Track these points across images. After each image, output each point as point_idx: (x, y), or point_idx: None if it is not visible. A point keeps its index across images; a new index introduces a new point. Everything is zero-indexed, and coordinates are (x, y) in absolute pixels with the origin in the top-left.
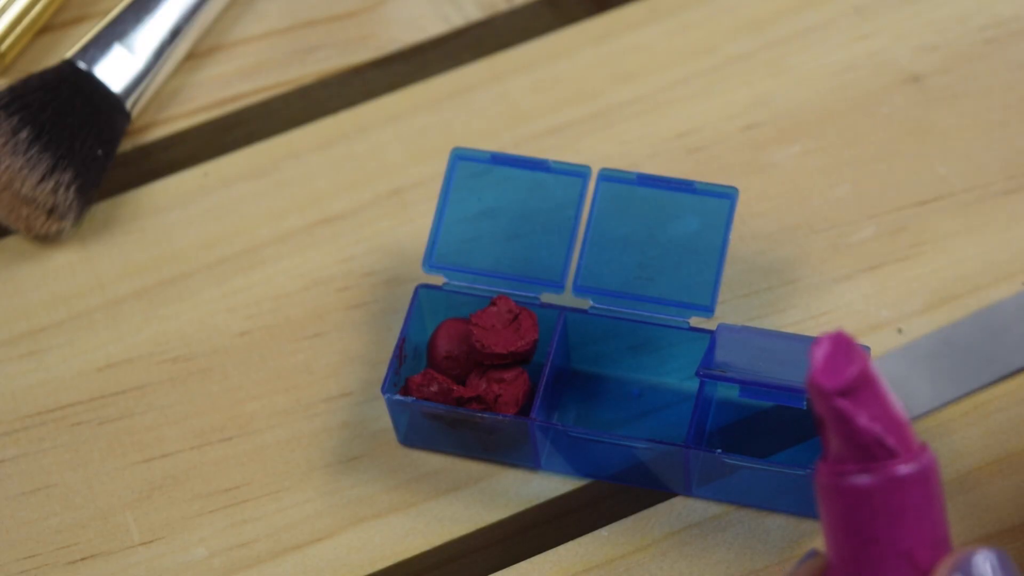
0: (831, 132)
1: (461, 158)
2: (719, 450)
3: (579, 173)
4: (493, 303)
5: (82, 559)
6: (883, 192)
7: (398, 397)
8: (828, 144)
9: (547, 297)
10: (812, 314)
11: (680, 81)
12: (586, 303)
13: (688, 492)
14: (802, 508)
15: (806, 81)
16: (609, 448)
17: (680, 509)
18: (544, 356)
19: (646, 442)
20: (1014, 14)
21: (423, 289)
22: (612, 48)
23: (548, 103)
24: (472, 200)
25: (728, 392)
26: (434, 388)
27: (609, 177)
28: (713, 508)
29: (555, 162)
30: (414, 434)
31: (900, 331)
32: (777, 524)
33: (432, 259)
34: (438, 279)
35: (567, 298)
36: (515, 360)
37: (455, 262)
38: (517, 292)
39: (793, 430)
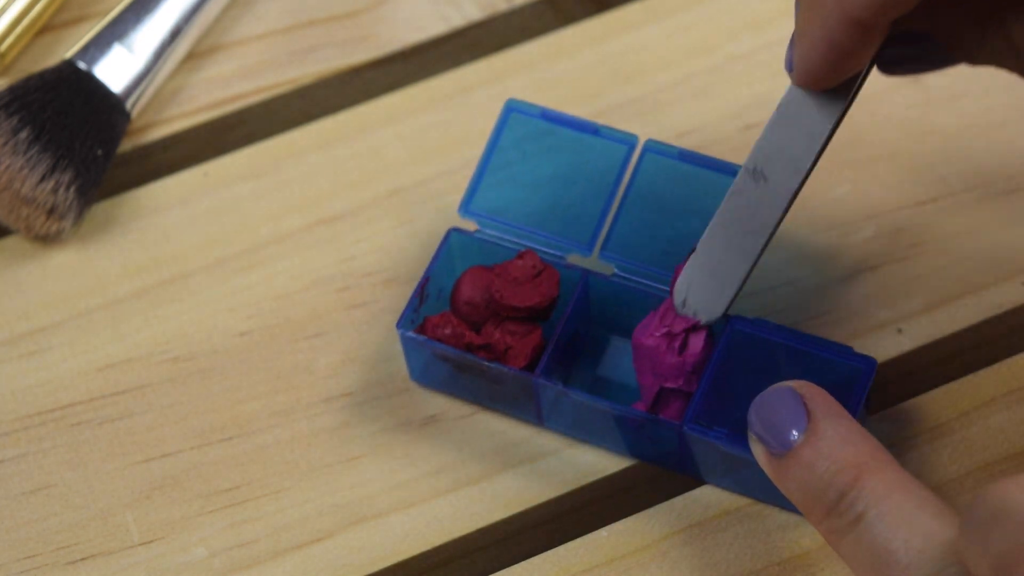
0: None
1: (514, 110)
2: (714, 433)
3: (626, 141)
4: (520, 256)
5: (82, 559)
6: (883, 192)
7: (411, 334)
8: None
9: (573, 258)
10: (812, 314)
11: (680, 81)
12: (610, 269)
13: (695, 474)
14: None
15: None
16: (609, 417)
17: (680, 509)
18: (561, 315)
19: (640, 415)
20: None
21: (455, 233)
22: (612, 48)
23: (548, 103)
24: (517, 154)
25: (739, 379)
26: (448, 331)
27: (653, 149)
28: (713, 508)
29: (604, 127)
30: (427, 374)
31: (900, 331)
32: (777, 524)
33: (469, 205)
34: (471, 225)
35: (593, 262)
36: (532, 315)
37: (491, 210)
38: (545, 249)
39: None
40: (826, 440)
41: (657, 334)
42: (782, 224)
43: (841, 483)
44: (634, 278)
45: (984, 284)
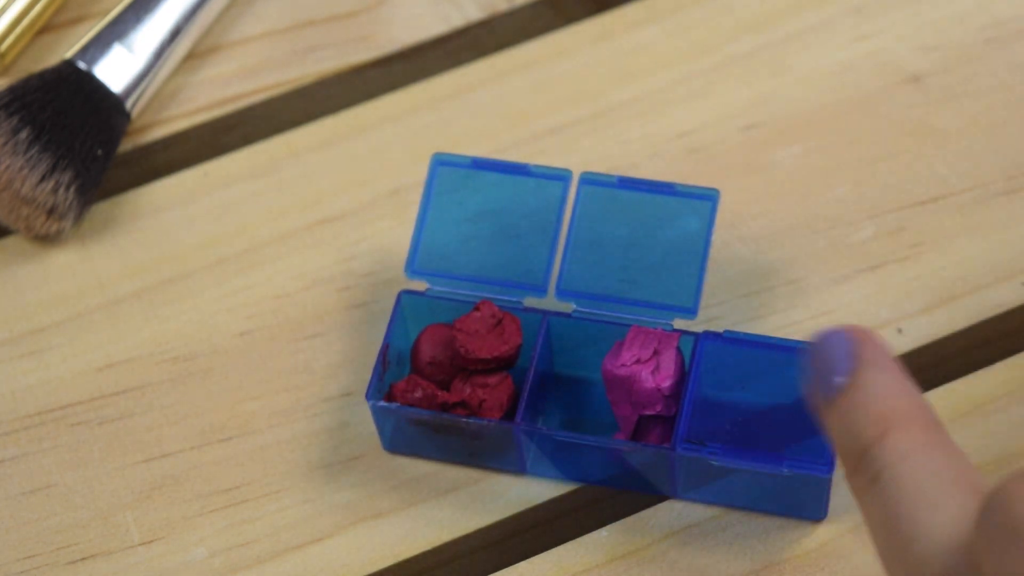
0: (831, 132)
1: (442, 163)
2: (708, 450)
3: (560, 177)
4: (476, 308)
5: (82, 559)
6: (883, 192)
7: (383, 404)
8: (828, 144)
9: (530, 301)
10: (812, 314)
11: (680, 81)
12: (569, 307)
13: (675, 495)
14: (790, 509)
15: (806, 81)
16: (595, 452)
17: (679, 509)
18: (528, 360)
19: (631, 445)
20: (1014, 14)
21: (406, 295)
22: (612, 48)
23: (548, 103)
24: (453, 205)
25: (717, 394)
26: (418, 394)
27: (590, 180)
28: (712, 508)
29: (535, 166)
30: (399, 440)
31: (900, 331)
32: (776, 524)
33: (415, 264)
34: (421, 285)
35: (550, 302)
36: (499, 365)
37: (437, 268)
38: (500, 297)
39: (782, 433)
40: (864, 391)
41: (629, 363)
42: (781, 224)
43: (867, 437)
44: (594, 311)
45: (984, 284)
